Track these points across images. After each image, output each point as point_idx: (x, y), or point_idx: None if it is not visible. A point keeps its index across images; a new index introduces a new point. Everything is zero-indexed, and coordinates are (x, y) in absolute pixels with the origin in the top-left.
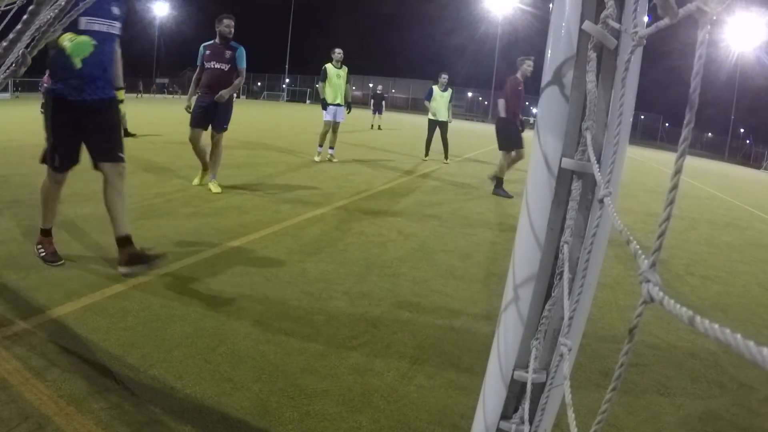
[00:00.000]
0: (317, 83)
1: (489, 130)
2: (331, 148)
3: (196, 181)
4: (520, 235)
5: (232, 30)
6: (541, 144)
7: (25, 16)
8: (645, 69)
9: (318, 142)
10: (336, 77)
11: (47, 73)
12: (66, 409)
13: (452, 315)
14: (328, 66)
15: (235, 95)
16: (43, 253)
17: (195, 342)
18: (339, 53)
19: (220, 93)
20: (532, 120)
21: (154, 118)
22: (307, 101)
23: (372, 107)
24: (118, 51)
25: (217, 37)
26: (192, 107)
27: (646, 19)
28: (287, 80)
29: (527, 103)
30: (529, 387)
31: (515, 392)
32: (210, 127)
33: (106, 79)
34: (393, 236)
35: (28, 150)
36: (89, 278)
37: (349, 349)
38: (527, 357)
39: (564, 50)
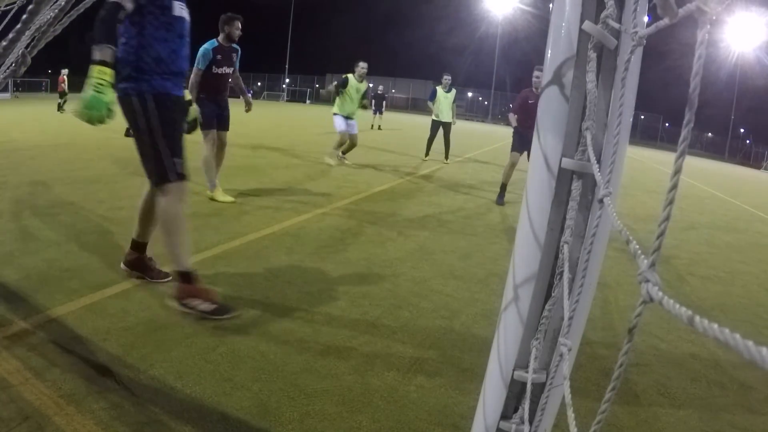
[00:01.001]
0: (332, 86)
1: (489, 130)
2: (344, 152)
3: (227, 198)
4: (520, 235)
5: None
6: (541, 144)
7: (24, 16)
8: (645, 69)
9: (334, 146)
10: (355, 91)
11: (65, 71)
12: (66, 409)
13: (452, 315)
14: (351, 77)
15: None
16: (209, 307)
17: (195, 342)
18: (363, 68)
19: (249, 102)
20: None
21: None
22: (307, 101)
23: (372, 107)
24: None
25: (225, 38)
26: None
27: (646, 19)
28: (287, 80)
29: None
30: (529, 387)
31: (515, 392)
32: (216, 129)
33: None
34: (393, 236)
35: (28, 150)
36: (89, 278)
37: (349, 349)
38: (527, 357)
39: (564, 50)
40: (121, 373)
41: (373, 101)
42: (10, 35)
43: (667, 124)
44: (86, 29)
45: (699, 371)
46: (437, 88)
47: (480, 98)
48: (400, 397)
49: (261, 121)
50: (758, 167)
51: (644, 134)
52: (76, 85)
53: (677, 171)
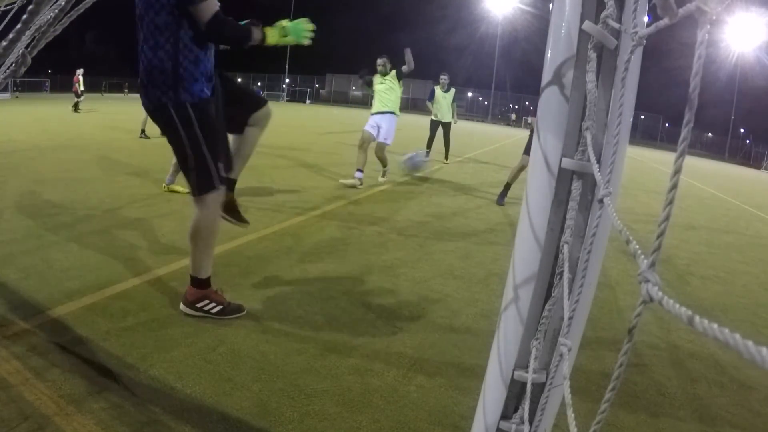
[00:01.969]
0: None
1: (489, 130)
2: (360, 170)
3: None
4: (520, 235)
5: None
6: (541, 144)
7: (24, 16)
8: (645, 69)
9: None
10: (379, 83)
11: (80, 71)
12: (66, 409)
13: (452, 315)
14: (376, 77)
15: None
16: (218, 307)
17: (195, 342)
18: (380, 64)
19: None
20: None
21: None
22: (307, 101)
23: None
24: None
25: None
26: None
27: (646, 19)
28: (287, 80)
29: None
30: (529, 387)
31: (515, 392)
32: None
33: None
34: (393, 236)
35: (28, 151)
36: (89, 278)
37: (349, 349)
38: (527, 357)
39: (564, 50)
40: (121, 373)
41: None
42: (10, 35)
43: (667, 124)
44: (91, 29)
45: (699, 371)
46: (435, 87)
47: (480, 98)
48: (400, 397)
49: None
50: (758, 167)
51: (644, 134)
52: (93, 85)
53: (677, 171)
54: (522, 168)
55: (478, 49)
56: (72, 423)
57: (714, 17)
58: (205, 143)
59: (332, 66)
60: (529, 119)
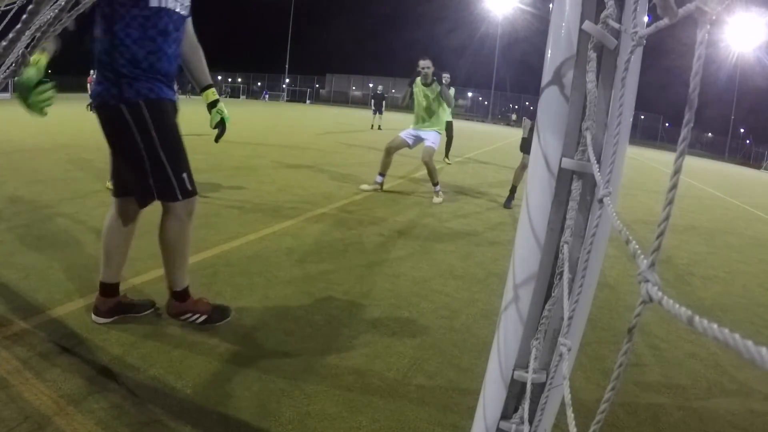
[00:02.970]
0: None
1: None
2: (382, 175)
3: None
4: (520, 235)
5: None
6: (541, 144)
7: (24, 16)
8: (645, 69)
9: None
10: (422, 97)
11: (93, 72)
12: (66, 409)
13: (452, 315)
14: (417, 80)
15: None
16: (202, 317)
17: (195, 342)
18: (424, 66)
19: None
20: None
21: None
22: (308, 101)
23: (372, 107)
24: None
25: None
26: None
27: (646, 19)
28: (287, 80)
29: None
30: (529, 387)
31: (515, 392)
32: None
33: None
34: (393, 236)
35: (28, 151)
36: (89, 278)
37: (349, 349)
38: (527, 357)
39: (564, 50)
40: (121, 373)
41: (373, 101)
42: (10, 35)
43: (667, 124)
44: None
45: (699, 371)
46: None
47: (480, 98)
48: (400, 397)
49: (261, 122)
50: (758, 167)
51: (644, 134)
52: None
53: (677, 171)
54: (524, 167)
55: (478, 49)
56: (72, 423)
57: (714, 17)
58: (164, 148)
59: (332, 66)
60: (523, 120)
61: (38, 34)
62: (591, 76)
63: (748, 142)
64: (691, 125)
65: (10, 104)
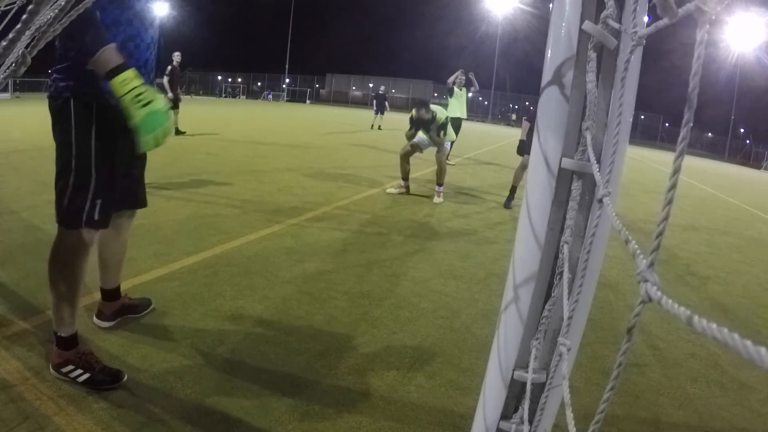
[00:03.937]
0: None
1: (489, 130)
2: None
3: None
4: (520, 235)
5: None
6: (541, 144)
7: (24, 16)
8: (645, 69)
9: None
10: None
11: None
12: (66, 409)
13: (452, 315)
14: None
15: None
16: (84, 375)
17: (195, 342)
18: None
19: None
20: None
21: None
22: (308, 101)
23: (375, 107)
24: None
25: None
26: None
27: (646, 19)
28: (287, 80)
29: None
30: (528, 387)
31: (515, 392)
32: None
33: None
34: (393, 236)
35: (29, 151)
36: (89, 279)
37: (349, 349)
38: (527, 357)
39: (564, 50)
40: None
41: (375, 101)
42: (10, 35)
43: (667, 124)
44: None
45: (699, 371)
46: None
47: (480, 98)
48: (400, 397)
49: (261, 122)
50: (758, 167)
51: (644, 134)
52: None
53: (676, 171)
54: (524, 168)
55: (478, 49)
56: (72, 423)
57: (714, 17)
58: (94, 156)
59: (332, 66)
60: (523, 122)
61: (38, 34)
62: (591, 76)
63: (748, 142)
64: (690, 125)
65: (11, 104)
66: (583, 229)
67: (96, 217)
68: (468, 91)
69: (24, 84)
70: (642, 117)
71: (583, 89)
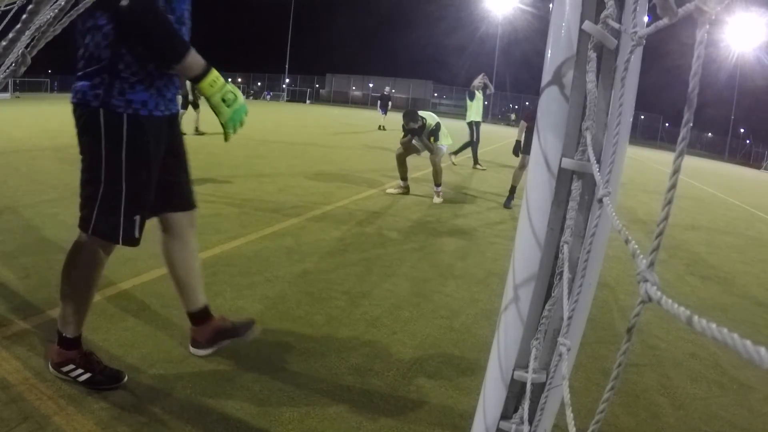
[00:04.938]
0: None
1: (489, 130)
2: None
3: None
4: (520, 235)
5: None
6: (541, 144)
7: (24, 16)
8: (645, 69)
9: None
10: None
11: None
12: (66, 409)
13: (452, 315)
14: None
15: None
16: (85, 375)
17: None
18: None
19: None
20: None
21: None
22: (308, 101)
23: (379, 108)
24: None
25: None
26: None
27: (646, 19)
28: (287, 80)
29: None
30: (528, 387)
31: (515, 392)
32: None
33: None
34: (393, 236)
35: (29, 151)
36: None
37: (349, 349)
38: (527, 357)
39: (564, 50)
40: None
41: (379, 102)
42: (10, 35)
43: (667, 124)
44: None
45: (699, 371)
46: (476, 91)
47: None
48: (400, 397)
49: (261, 122)
50: (758, 167)
51: (644, 134)
52: None
53: (676, 171)
54: (523, 167)
55: (478, 49)
56: (72, 423)
57: (714, 17)
58: (128, 175)
59: (332, 66)
60: (521, 123)
61: (38, 34)
62: (591, 76)
63: (748, 142)
64: (690, 125)
65: (11, 104)
66: (583, 229)
67: (136, 234)
68: (483, 93)
69: (24, 84)
70: (642, 117)
71: (583, 89)
